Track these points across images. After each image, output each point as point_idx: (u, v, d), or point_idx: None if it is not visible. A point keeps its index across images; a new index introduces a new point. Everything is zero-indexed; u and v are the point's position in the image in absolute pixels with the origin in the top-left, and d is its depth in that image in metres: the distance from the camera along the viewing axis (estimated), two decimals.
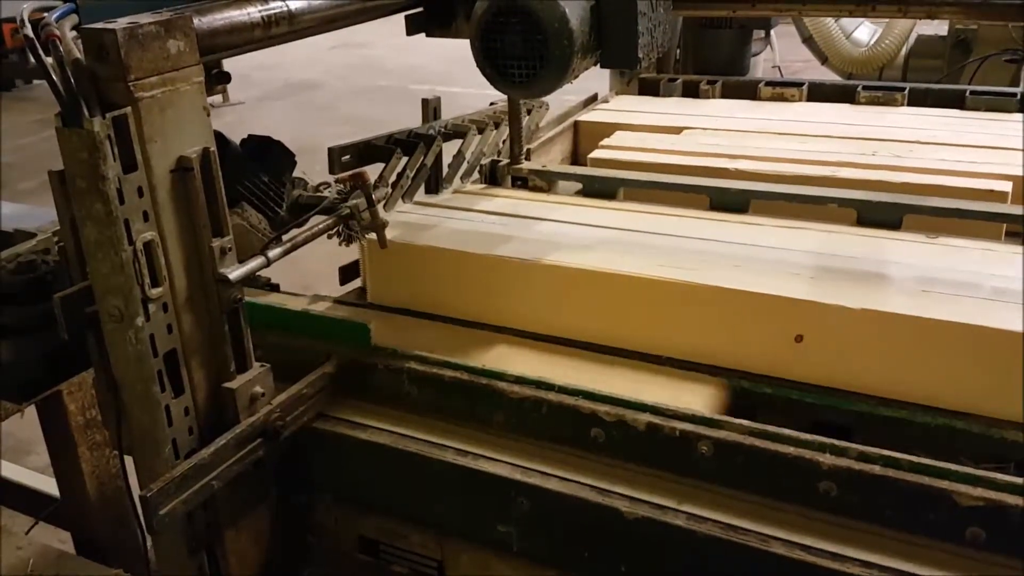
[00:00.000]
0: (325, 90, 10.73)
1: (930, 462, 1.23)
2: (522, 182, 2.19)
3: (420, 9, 1.85)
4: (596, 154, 2.31)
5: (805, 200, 1.89)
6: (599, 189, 2.08)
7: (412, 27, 1.87)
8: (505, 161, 2.19)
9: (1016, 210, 1.76)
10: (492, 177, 2.21)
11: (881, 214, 1.82)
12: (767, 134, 2.37)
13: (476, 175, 2.23)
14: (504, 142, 2.26)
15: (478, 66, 1.62)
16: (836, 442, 1.28)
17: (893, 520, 1.24)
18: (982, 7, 2.56)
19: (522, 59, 1.56)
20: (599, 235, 1.81)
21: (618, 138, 2.41)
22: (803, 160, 2.15)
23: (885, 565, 1.20)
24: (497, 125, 2.29)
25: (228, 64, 1.65)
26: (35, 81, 11.31)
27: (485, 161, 2.22)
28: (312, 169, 1.98)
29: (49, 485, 2.64)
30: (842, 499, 1.26)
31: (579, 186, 2.17)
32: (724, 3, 3.22)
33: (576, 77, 1.61)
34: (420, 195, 2.07)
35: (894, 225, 1.80)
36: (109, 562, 2.30)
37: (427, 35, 1.87)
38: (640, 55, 1.62)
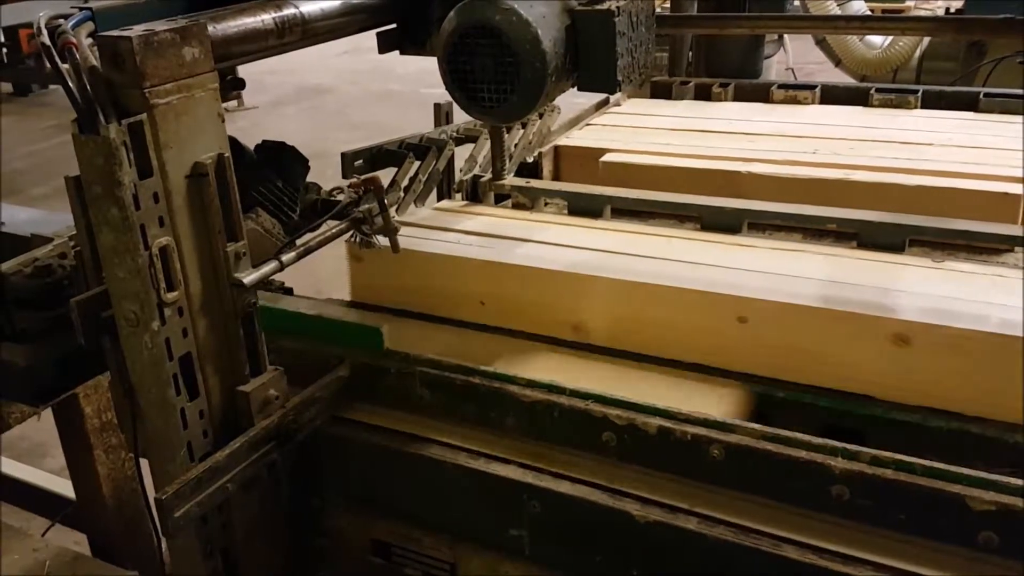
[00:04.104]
0: (336, 95, 10.77)
1: (943, 466, 1.23)
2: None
3: (393, 26, 1.79)
4: (608, 158, 2.30)
5: (803, 220, 1.83)
6: (585, 207, 1.99)
7: (384, 45, 1.81)
8: (487, 177, 2.09)
9: (1018, 231, 1.74)
10: (474, 194, 2.12)
11: (883, 236, 1.73)
12: (779, 137, 2.36)
13: (457, 192, 2.15)
14: (517, 145, 2.26)
15: (447, 89, 1.56)
16: (849, 446, 1.28)
17: (905, 524, 1.24)
18: (983, 24, 2.58)
19: (492, 83, 1.50)
20: (577, 259, 1.72)
21: (627, 141, 2.39)
22: (815, 163, 2.14)
23: (897, 569, 1.20)
24: (508, 129, 2.28)
25: (240, 69, 1.67)
26: (51, 86, 11.40)
27: (467, 176, 2.13)
28: (324, 174, 1.99)
29: (65, 487, 2.66)
30: (855, 503, 1.25)
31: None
32: (706, 23, 3.27)
33: (551, 101, 1.54)
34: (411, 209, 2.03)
35: (897, 248, 1.72)
36: (124, 564, 2.32)
37: (401, 52, 1.82)
38: (620, 78, 1.54)
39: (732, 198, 1.93)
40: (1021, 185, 1.92)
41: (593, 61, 1.54)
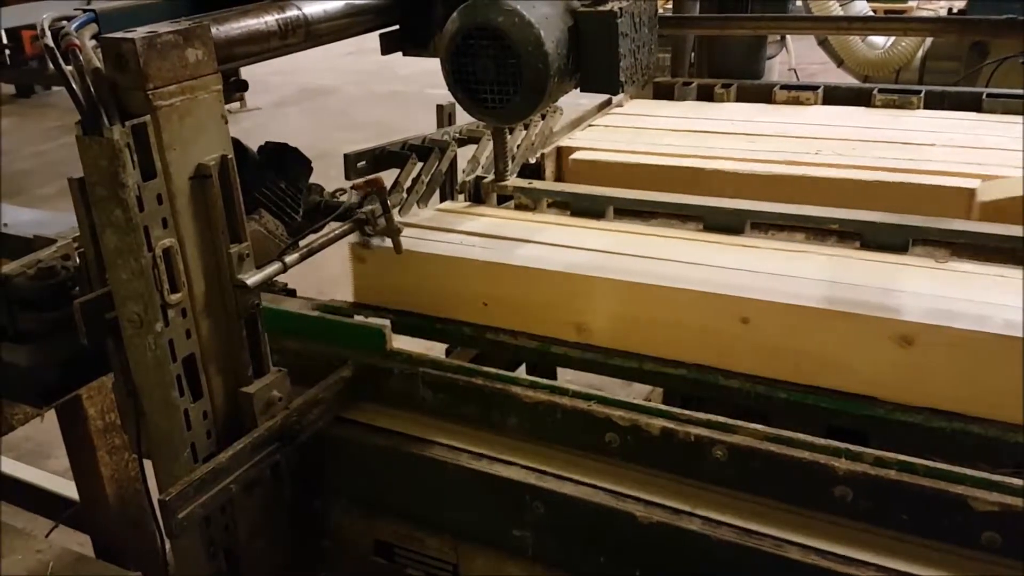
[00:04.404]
0: (340, 95, 10.79)
1: (946, 467, 1.23)
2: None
3: (396, 27, 1.79)
4: (577, 156, 2.30)
5: (806, 221, 1.82)
6: (587, 208, 1.98)
7: (387, 46, 1.80)
8: (490, 178, 2.08)
9: (1018, 231, 1.73)
10: (476, 195, 2.11)
11: (886, 237, 1.72)
12: (780, 137, 2.35)
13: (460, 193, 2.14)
14: (520, 146, 2.26)
15: (449, 90, 1.56)
16: (851, 447, 1.28)
17: (908, 525, 1.24)
18: (986, 24, 2.59)
19: (495, 84, 1.50)
20: (580, 259, 1.71)
21: (629, 141, 2.39)
22: (814, 163, 2.13)
23: (900, 570, 1.20)
24: (511, 131, 2.28)
25: (244, 70, 1.67)
26: (54, 88, 11.42)
27: (469, 178, 2.13)
28: (328, 175, 1.99)
29: (68, 488, 2.66)
30: (857, 504, 1.26)
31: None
32: (708, 24, 3.27)
33: (554, 102, 1.54)
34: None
35: (900, 248, 1.70)
36: (128, 565, 2.31)
37: (404, 54, 1.82)
38: (622, 79, 1.54)
39: (735, 199, 1.93)
40: (978, 180, 1.91)
41: (596, 62, 1.54)
